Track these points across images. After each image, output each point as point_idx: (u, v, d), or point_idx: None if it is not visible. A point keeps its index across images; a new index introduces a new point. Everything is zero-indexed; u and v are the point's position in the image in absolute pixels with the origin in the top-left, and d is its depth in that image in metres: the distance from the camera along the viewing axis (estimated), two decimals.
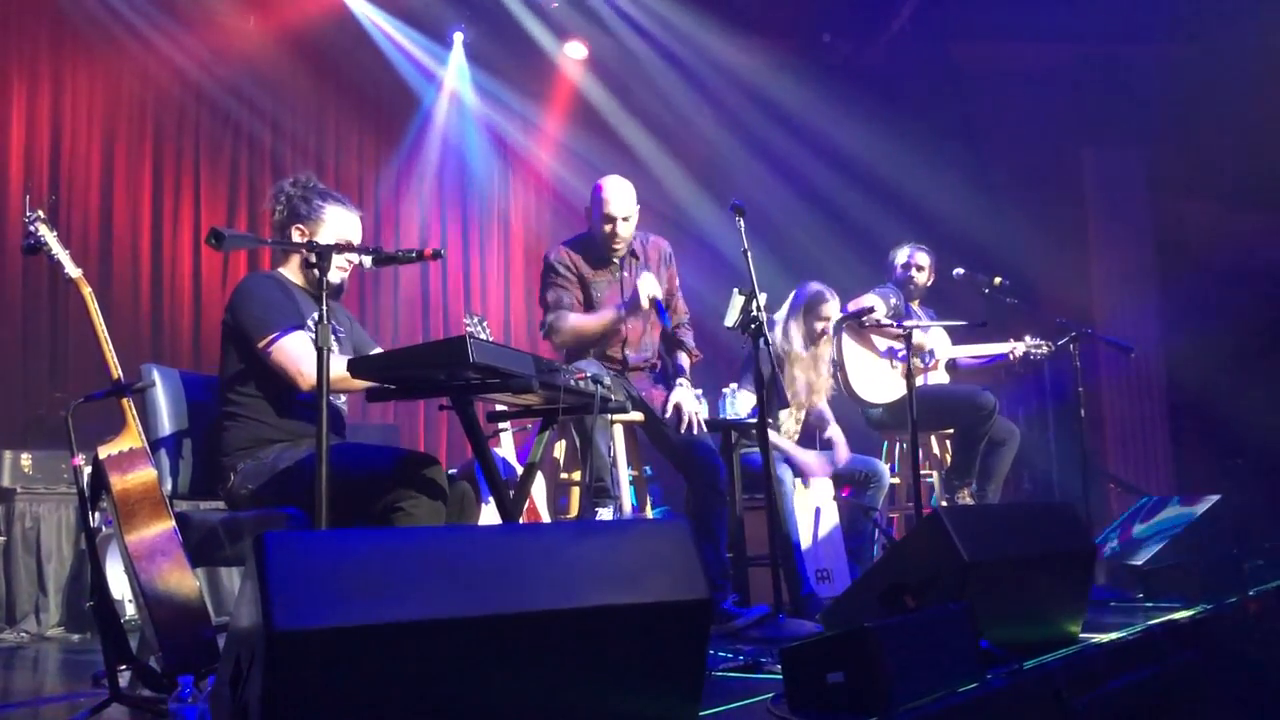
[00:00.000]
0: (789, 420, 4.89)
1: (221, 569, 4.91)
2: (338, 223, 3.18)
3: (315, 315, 2.65)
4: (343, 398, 3.26)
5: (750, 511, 4.37)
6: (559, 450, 4.47)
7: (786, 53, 7.92)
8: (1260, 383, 6.77)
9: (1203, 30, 7.03)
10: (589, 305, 4.20)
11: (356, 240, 3.22)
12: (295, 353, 2.93)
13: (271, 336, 2.96)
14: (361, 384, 2.85)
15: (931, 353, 5.46)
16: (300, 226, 3.15)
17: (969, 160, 7.73)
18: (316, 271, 2.65)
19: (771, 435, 4.55)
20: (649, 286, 4.00)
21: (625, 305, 4.08)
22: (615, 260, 4.24)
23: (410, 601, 1.68)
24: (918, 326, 4.69)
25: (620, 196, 4.14)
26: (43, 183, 6.16)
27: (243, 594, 1.73)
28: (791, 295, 4.93)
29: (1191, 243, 8.05)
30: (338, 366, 2.75)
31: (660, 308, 3.98)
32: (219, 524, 2.91)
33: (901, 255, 5.59)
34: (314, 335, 2.61)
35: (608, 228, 4.14)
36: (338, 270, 3.16)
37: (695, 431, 4.04)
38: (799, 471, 4.70)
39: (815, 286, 4.89)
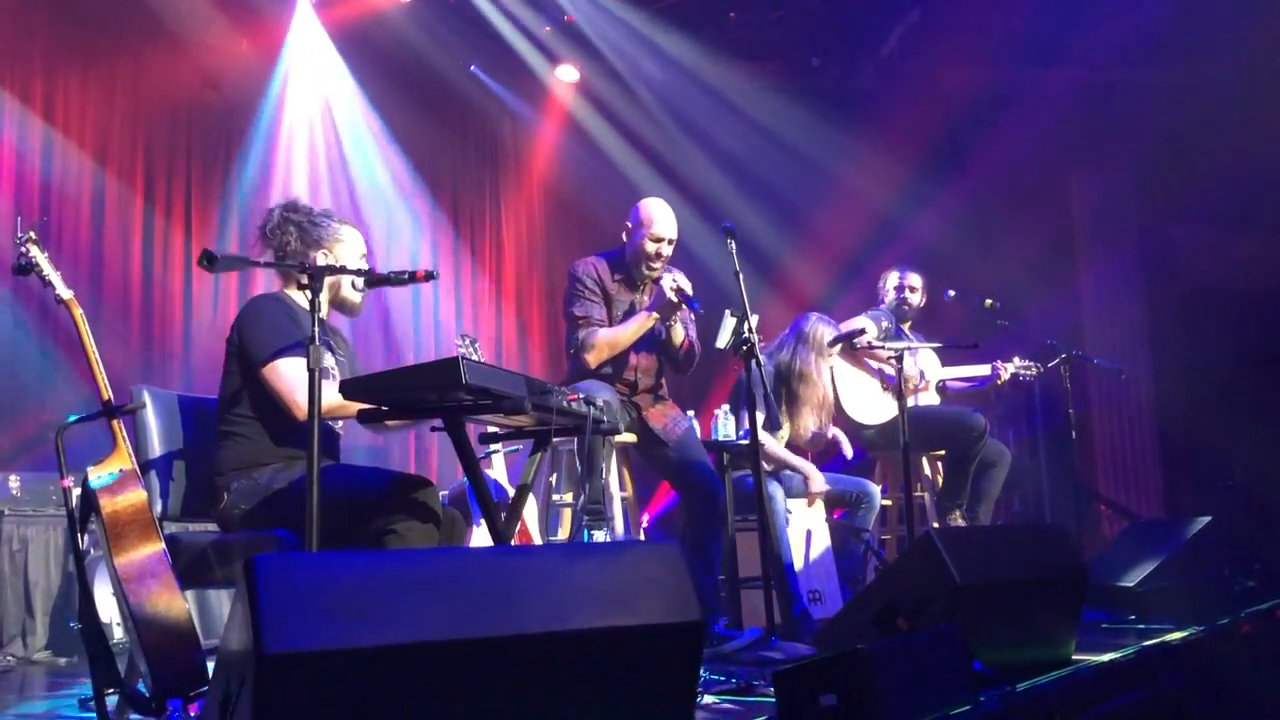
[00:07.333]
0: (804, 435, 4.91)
1: (211, 592, 4.87)
2: (353, 240, 3.24)
3: (317, 337, 2.64)
4: (339, 423, 3.24)
5: (742, 533, 4.35)
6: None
7: (775, 77, 7.96)
8: (1249, 404, 6.79)
9: (1192, 55, 7.08)
10: (609, 323, 4.17)
11: (364, 254, 3.26)
12: (292, 380, 2.92)
13: (271, 361, 2.96)
14: (355, 410, 2.84)
15: (922, 374, 5.47)
16: (325, 249, 3.16)
17: (958, 183, 7.77)
18: (310, 292, 2.65)
19: (767, 441, 4.53)
20: (674, 280, 4.00)
21: (653, 304, 4.05)
22: (643, 283, 4.21)
23: (401, 624, 1.68)
24: (908, 348, 4.70)
25: (668, 218, 4.15)
26: (34, 203, 6.15)
27: (233, 617, 1.72)
28: (793, 324, 4.96)
29: (1180, 266, 8.09)
30: (333, 395, 2.75)
31: (688, 300, 3.96)
32: (209, 546, 2.89)
33: (893, 278, 5.61)
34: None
35: (653, 247, 4.12)
36: (356, 291, 3.19)
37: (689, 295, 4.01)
38: (789, 487, 4.68)
39: (814, 315, 4.94)
